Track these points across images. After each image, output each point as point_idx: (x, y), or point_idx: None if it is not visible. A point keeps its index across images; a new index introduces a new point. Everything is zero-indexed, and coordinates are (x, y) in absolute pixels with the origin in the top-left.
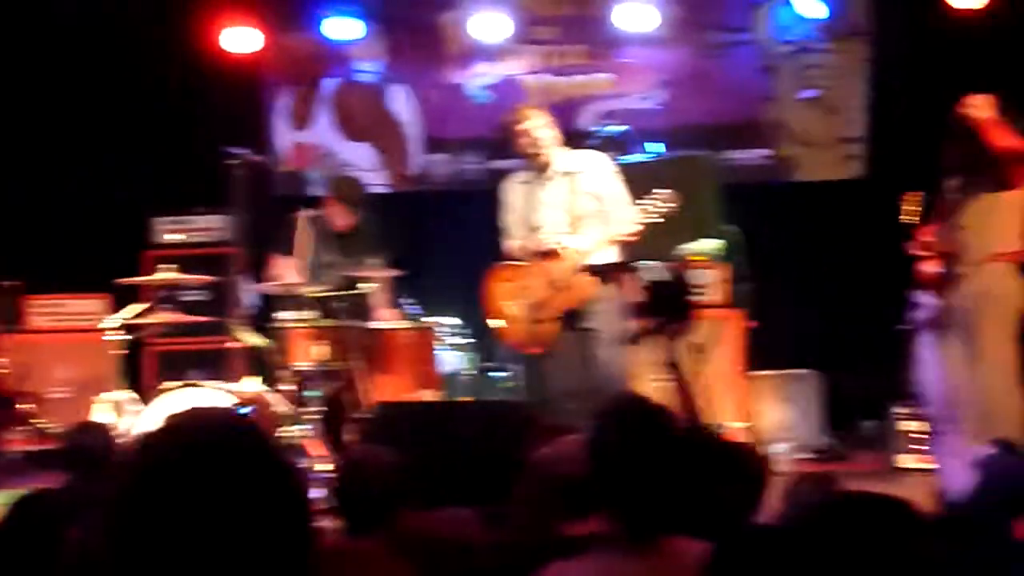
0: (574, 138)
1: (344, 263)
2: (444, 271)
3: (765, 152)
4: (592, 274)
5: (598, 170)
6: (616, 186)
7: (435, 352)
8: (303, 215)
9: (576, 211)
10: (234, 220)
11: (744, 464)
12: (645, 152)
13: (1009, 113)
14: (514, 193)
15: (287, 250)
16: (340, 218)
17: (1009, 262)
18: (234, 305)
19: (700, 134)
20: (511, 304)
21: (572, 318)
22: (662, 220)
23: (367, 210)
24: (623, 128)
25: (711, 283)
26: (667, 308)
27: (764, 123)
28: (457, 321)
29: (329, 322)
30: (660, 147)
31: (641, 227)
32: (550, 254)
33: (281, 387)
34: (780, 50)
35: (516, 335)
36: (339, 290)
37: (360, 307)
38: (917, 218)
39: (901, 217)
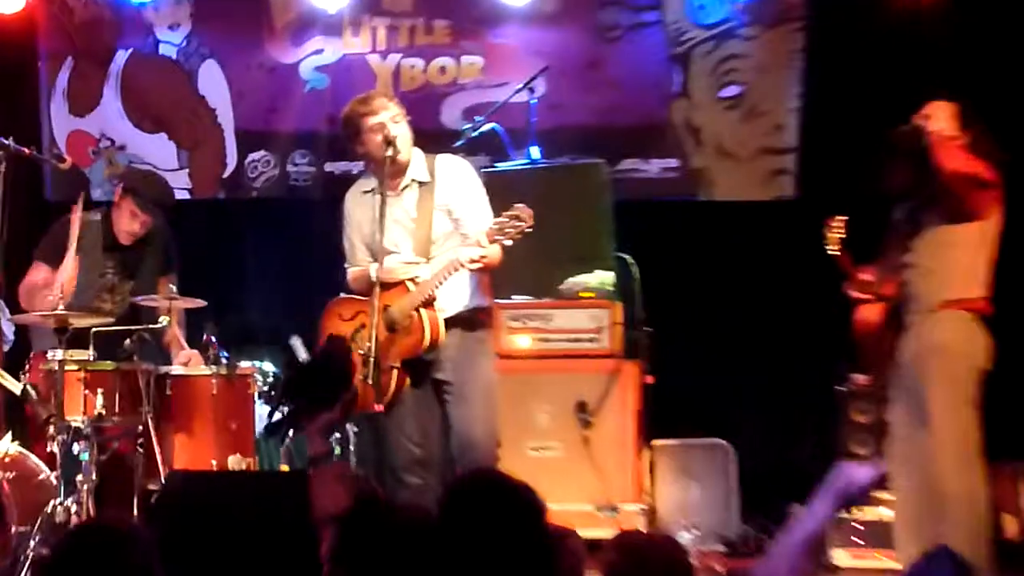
0: (432, 139)
1: (130, 286)
2: (264, 304)
3: (670, 163)
4: (455, 317)
5: (456, 180)
6: (476, 200)
7: (250, 406)
8: (78, 217)
9: (429, 231)
10: None
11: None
12: (519, 158)
13: (974, 127)
14: (360, 207)
15: (55, 265)
16: (127, 223)
17: (965, 311)
18: None
19: (589, 138)
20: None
21: (419, 368)
22: (519, 242)
23: (161, 219)
24: (491, 127)
25: (598, 326)
26: (315, 392)
27: (670, 127)
28: (274, 368)
29: (109, 364)
30: (536, 152)
31: (498, 254)
32: (395, 287)
33: (45, 447)
34: (694, 36)
35: (355, 394)
36: (124, 322)
37: (152, 345)
38: (839, 248)
39: (826, 246)
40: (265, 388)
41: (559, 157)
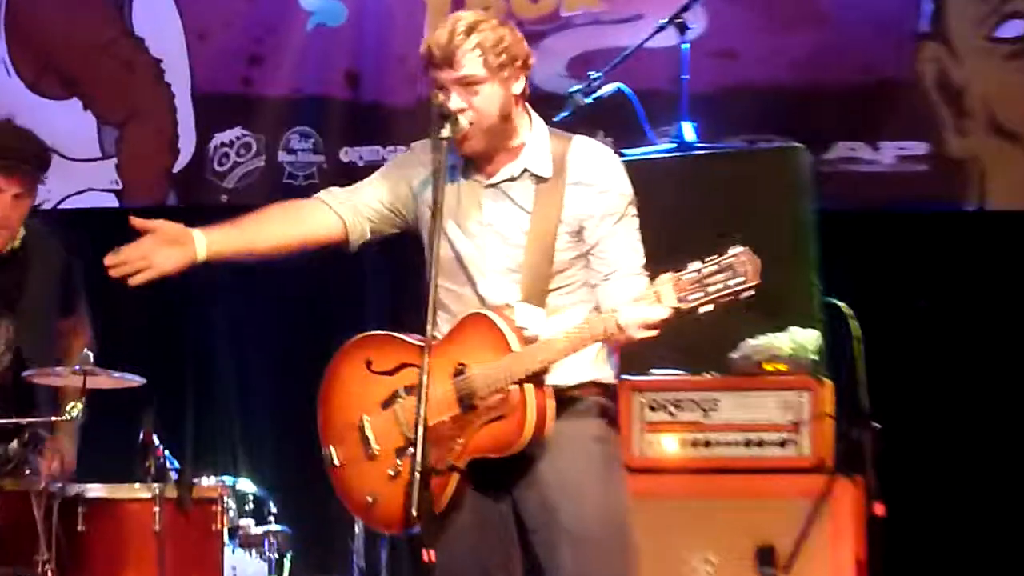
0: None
1: (6, 327)
2: (238, 380)
3: (914, 148)
4: (561, 393)
5: (602, 181)
6: (628, 222)
7: (217, 551)
8: None
9: (550, 257)
10: None
11: None
12: (661, 142)
13: None
14: (420, 176)
15: None
16: None
17: None
18: None
19: (779, 107)
20: (372, 421)
21: (489, 476)
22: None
23: (50, 230)
24: (615, 88)
25: (795, 420)
26: None
27: (913, 88)
28: (253, 488)
29: None
30: (691, 131)
31: (672, 310)
32: (477, 333)
33: None
34: None
35: (378, 499)
36: (9, 399)
37: (42, 446)
38: None
39: None
40: (241, 523)
41: (729, 139)
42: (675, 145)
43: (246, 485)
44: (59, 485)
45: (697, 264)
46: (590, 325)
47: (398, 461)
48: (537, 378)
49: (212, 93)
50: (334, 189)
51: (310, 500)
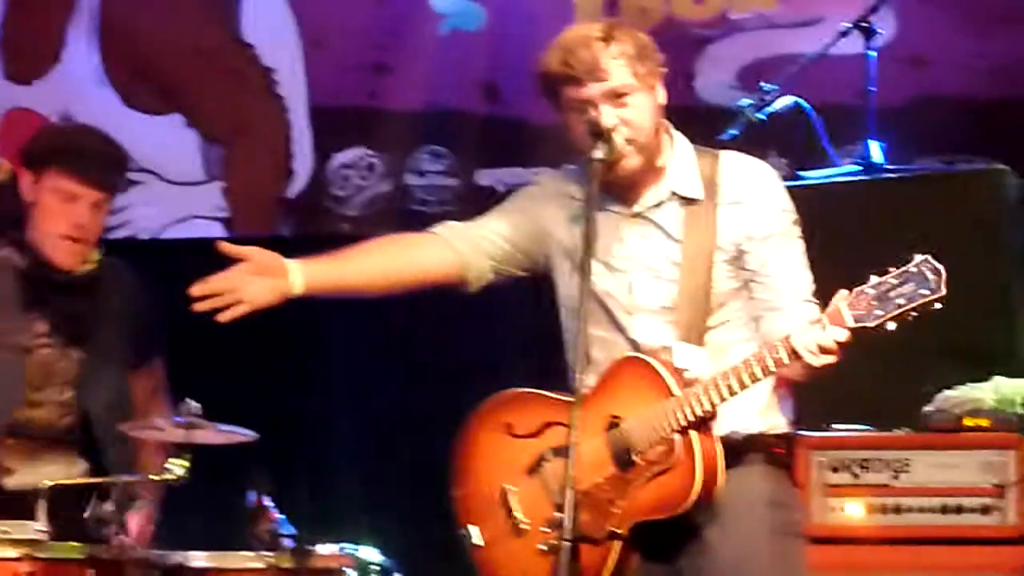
0: (677, 121)
1: (79, 363)
2: (361, 437)
3: None
4: (727, 446)
5: (760, 201)
6: (791, 243)
7: None
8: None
9: (707, 288)
10: None
11: None
12: (845, 163)
13: None
14: (551, 211)
15: None
16: (62, 219)
17: None
18: None
19: (982, 120)
20: (518, 492)
21: (663, 540)
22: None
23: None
24: (790, 103)
25: (1000, 483)
26: None
27: None
28: (378, 557)
29: (75, 548)
30: (878, 151)
31: (843, 340)
32: (629, 379)
33: None
34: None
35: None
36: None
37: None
38: None
39: None
40: None
41: (922, 160)
42: (860, 167)
43: (370, 553)
44: (175, 558)
45: (875, 279)
46: (759, 356)
47: (550, 533)
48: (704, 424)
49: (331, 107)
50: (452, 222)
51: (442, 571)
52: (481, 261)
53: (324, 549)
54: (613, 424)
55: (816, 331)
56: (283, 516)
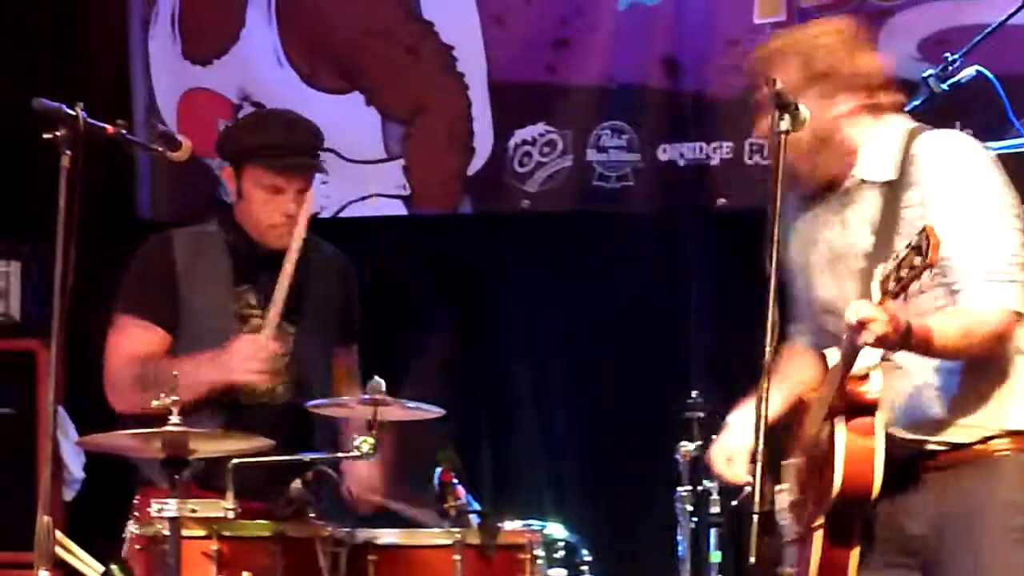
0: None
1: (294, 336)
2: (546, 412)
3: None
4: (958, 453)
5: (956, 179)
6: (992, 217)
7: None
8: (190, 230)
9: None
10: (42, 272)
11: None
12: None
13: None
14: (796, 226)
15: (159, 319)
16: (271, 204)
17: None
18: (45, 483)
19: None
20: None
21: (905, 546)
22: None
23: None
24: (974, 73)
25: None
26: None
27: None
28: (564, 533)
29: (264, 526)
30: None
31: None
32: (842, 365)
33: None
34: None
35: None
36: (290, 417)
37: (330, 486)
38: None
39: None
40: (551, 572)
41: None
42: None
43: (556, 530)
44: (362, 535)
45: (894, 253)
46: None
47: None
48: (855, 410)
49: (512, 83)
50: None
51: (628, 545)
52: (801, 328)
53: (510, 525)
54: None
55: (859, 304)
56: (469, 493)
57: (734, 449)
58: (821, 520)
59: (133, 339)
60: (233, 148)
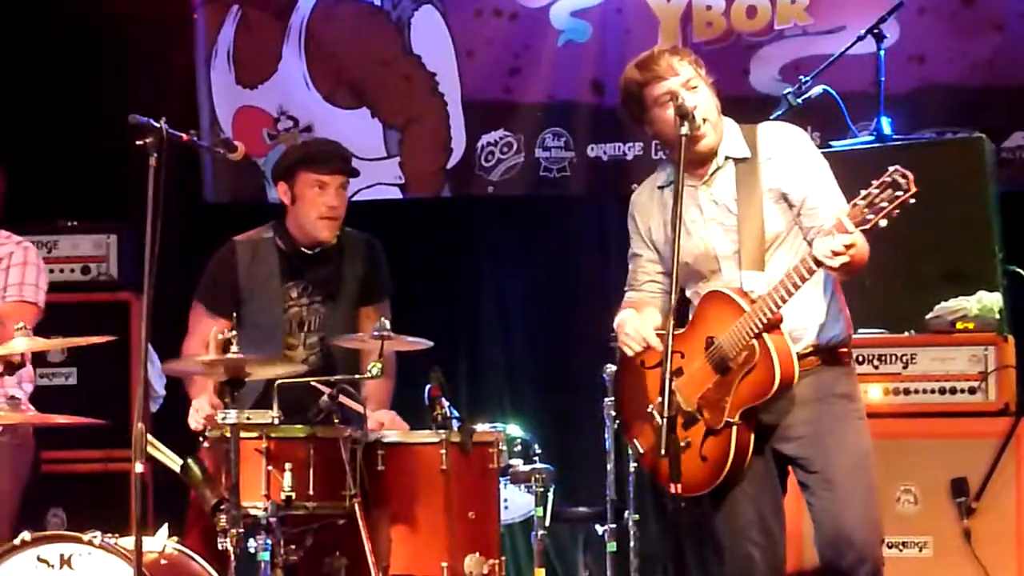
0: (736, 108)
1: (324, 319)
2: (507, 344)
3: None
4: (805, 355)
5: (790, 150)
6: (822, 175)
7: (493, 487)
8: (250, 237)
9: (761, 227)
10: (134, 242)
11: None
12: (863, 134)
13: None
14: (653, 209)
15: (216, 303)
16: (317, 208)
17: None
18: (139, 399)
19: (963, 103)
20: (657, 408)
21: (765, 423)
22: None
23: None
24: (821, 90)
25: (981, 371)
26: None
27: None
28: (521, 432)
29: (300, 429)
30: (888, 125)
31: (866, 246)
32: (714, 309)
33: (217, 543)
34: None
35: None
36: (318, 372)
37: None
38: None
39: None
40: (511, 462)
41: (921, 131)
42: (874, 137)
43: (515, 430)
44: (374, 436)
45: (863, 192)
46: (795, 268)
47: (686, 433)
48: (773, 328)
49: (479, 101)
50: (632, 282)
51: (568, 441)
52: (656, 286)
53: (481, 428)
54: (709, 343)
55: (828, 240)
56: (450, 404)
57: (633, 321)
58: (737, 417)
59: (202, 324)
60: (287, 163)
